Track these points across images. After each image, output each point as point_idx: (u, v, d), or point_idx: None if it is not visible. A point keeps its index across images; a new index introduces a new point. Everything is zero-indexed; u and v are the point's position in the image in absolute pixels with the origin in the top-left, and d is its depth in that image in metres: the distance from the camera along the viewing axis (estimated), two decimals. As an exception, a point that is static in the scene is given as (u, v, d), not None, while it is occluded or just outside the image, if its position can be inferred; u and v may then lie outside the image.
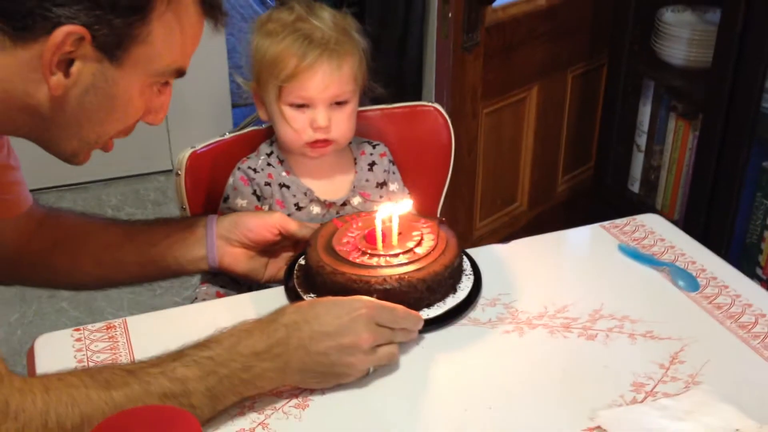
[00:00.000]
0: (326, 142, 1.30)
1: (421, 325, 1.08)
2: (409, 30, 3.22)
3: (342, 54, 1.26)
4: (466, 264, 1.22)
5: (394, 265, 1.12)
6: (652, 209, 2.29)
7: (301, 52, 1.24)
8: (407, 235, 1.17)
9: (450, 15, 1.96)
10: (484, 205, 2.40)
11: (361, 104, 1.36)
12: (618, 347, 1.10)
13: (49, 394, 0.86)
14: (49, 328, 1.16)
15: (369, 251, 1.14)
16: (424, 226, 1.20)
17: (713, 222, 2.09)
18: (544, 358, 1.08)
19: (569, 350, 1.09)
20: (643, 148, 2.38)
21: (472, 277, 1.20)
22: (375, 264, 1.12)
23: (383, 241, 1.15)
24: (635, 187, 2.44)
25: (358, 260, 1.13)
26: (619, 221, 1.38)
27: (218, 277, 1.32)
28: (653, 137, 2.34)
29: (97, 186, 3.09)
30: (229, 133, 1.44)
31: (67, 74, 0.91)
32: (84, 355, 1.06)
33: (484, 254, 1.29)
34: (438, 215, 1.55)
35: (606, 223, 1.38)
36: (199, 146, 1.38)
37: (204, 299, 1.31)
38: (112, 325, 1.12)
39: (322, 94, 1.26)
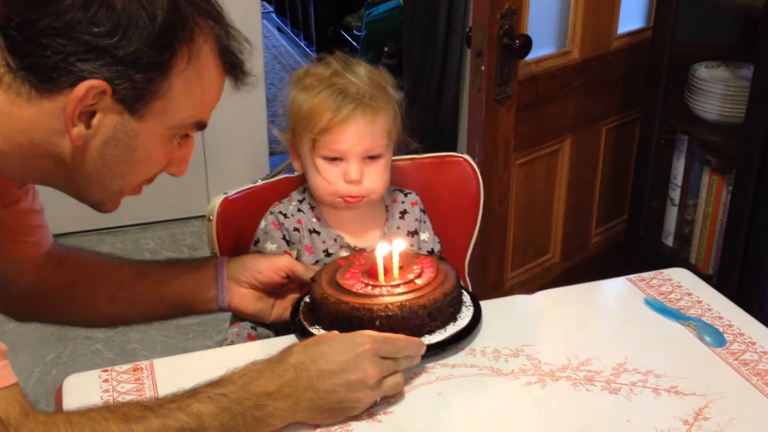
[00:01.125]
0: (358, 196, 1.32)
1: (423, 351, 1.11)
2: (445, 83, 3.27)
3: (376, 109, 1.28)
4: (467, 297, 1.26)
5: (395, 294, 1.16)
6: (686, 263, 2.28)
7: (335, 106, 1.26)
8: (408, 269, 1.21)
9: (483, 68, 1.98)
10: (515, 256, 2.40)
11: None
12: (641, 402, 1.09)
13: (72, 427, 0.89)
14: (83, 369, 1.18)
15: (371, 283, 1.18)
16: (425, 261, 1.24)
17: (747, 277, 2.06)
18: (567, 410, 1.08)
19: (592, 404, 1.09)
20: (676, 201, 2.37)
21: (472, 308, 1.23)
22: (377, 293, 1.16)
23: (385, 275, 1.19)
24: (669, 241, 2.42)
25: (360, 291, 1.17)
26: (646, 274, 1.38)
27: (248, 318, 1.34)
28: (687, 191, 2.33)
29: (136, 230, 3.15)
30: (261, 180, 1.47)
31: (88, 126, 0.95)
32: (110, 396, 1.08)
33: (510, 304, 1.30)
34: (467, 264, 1.56)
35: (633, 276, 1.38)
36: (231, 192, 1.42)
37: (233, 341, 1.33)
38: (139, 367, 1.14)
39: (355, 148, 1.28)
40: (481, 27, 1.94)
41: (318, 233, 1.36)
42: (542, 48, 2.19)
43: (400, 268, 1.20)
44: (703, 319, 1.26)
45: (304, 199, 1.38)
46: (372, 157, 1.31)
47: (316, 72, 1.31)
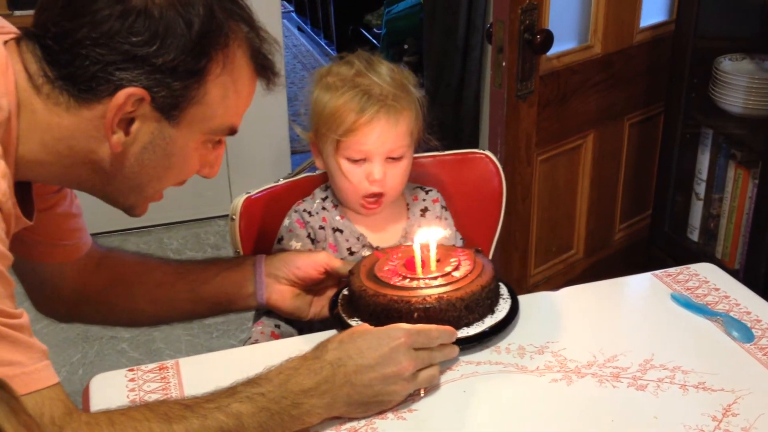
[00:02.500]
0: (379, 198, 1.32)
1: (454, 338, 1.12)
2: (466, 80, 3.26)
3: (399, 110, 1.28)
4: (504, 290, 1.26)
5: (433, 286, 1.17)
6: (711, 258, 2.26)
7: (359, 107, 1.26)
8: (445, 262, 1.22)
9: (504, 64, 1.97)
10: (539, 253, 2.39)
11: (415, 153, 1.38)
12: (669, 398, 1.08)
13: (114, 427, 0.90)
14: (110, 368, 1.19)
15: (409, 276, 1.19)
16: (461, 254, 1.24)
17: (774, 272, 2.04)
18: (593, 407, 1.07)
19: (618, 400, 1.08)
20: (701, 196, 2.34)
21: (509, 300, 1.23)
22: (415, 286, 1.17)
23: (422, 267, 1.20)
24: (694, 236, 2.40)
25: (398, 283, 1.17)
26: (672, 270, 1.37)
27: (272, 316, 1.35)
28: (712, 185, 2.31)
29: (159, 230, 3.16)
30: (283, 179, 1.47)
31: (127, 133, 0.96)
32: (137, 395, 1.09)
33: (534, 301, 1.29)
34: (493, 265, 1.55)
35: (659, 272, 1.37)
36: (253, 192, 1.42)
37: (257, 340, 1.33)
38: (164, 366, 1.15)
39: (379, 149, 1.29)
40: (502, 23, 1.93)
41: (341, 231, 1.36)
42: (564, 43, 2.17)
43: (438, 260, 1.21)
44: (731, 314, 1.25)
45: (327, 197, 1.39)
46: (394, 159, 1.31)
47: (339, 71, 1.31)
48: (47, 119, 0.94)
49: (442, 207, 1.44)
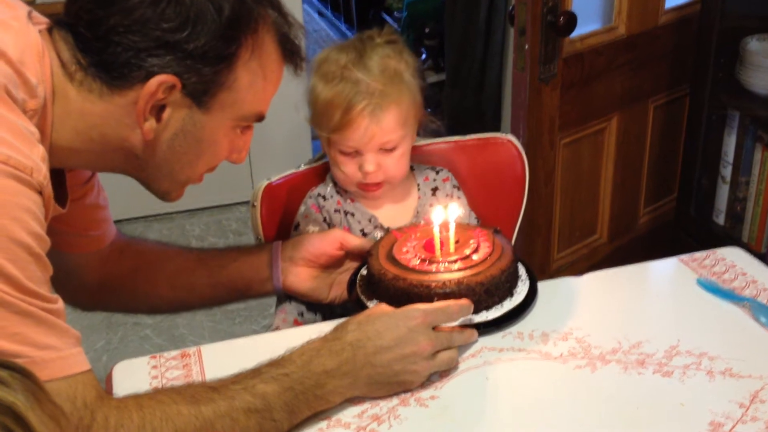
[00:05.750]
0: (379, 184, 1.32)
1: (471, 311, 1.13)
2: (487, 63, 3.24)
3: (385, 107, 1.26)
4: (522, 270, 1.25)
5: (452, 270, 1.16)
6: (738, 242, 2.23)
7: (345, 104, 1.25)
8: (464, 243, 1.21)
9: (526, 47, 1.95)
10: (562, 237, 2.37)
11: (421, 137, 1.37)
12: (695, 385, 1.06)
13: (143, 411, 0.92)
14: (133, 355, 1.20)
15: (428, 259, 1.18)
16: (481, 234, 1.23)
17: (803, 256, 2.01)
18: (617, 394, 1.06)
19: (644, 387, 1.07)
20: (728, 179, 2.31)
21: (528, 282, 1.23)
22: (434, 270, 1.16)
23: (441, 249, 1.19)
24: (720, 219, 2.37)
25: (418, 267, 1.17)
26: (698, 254, 1.35)
27: (294, 303, 1.34)
28: (738, 168, 2.27)
29: (182, 216, 3.18)
30: (304, 165, 1.47)
31: (158, 119, 0.97)
32: (159, 382, 1.09)
33: (558, 287, 1.28)
34: (512, 245, 1.54)
35: (685, 256, 1.35)
36: (274, 178, 1.42)
37: (279, 327, 1.33)
38: (187, 353, 1.15)
39: (367, 145, 1.28)
40: (524, 4, 1.91)
41: (353, 214, 1.36)
42: (587, 24, 2.15)
43: (456, 242, 1.20)
44: (758, 299, 1.23)
45: None
46: (387, 149, 1.30)
47: (334, 58, 1.29)
48: (80, 106, 0.96)
49: (454, 186, 1.43)
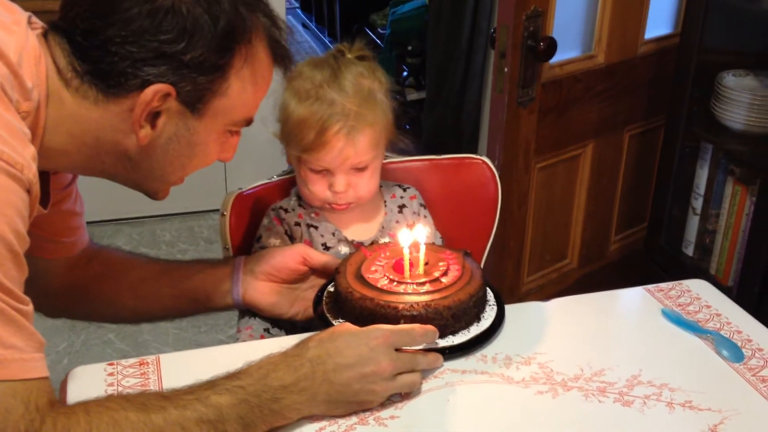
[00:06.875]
0: (345, 204, 1.31)
1: (436, 337, 1.11)
2: (468, 84, 3.25)
3: (360, 128, 1.26)
4: (490, 295, 1.24)
5: (420, 292, 1.15)
6: (705, 273, 2.24)
7: (319, 125, 1.24)
8: (434, 265, 1.20)
9: (506, 70, 1.96)
10: (533, 260, 2.38)
11: (389, 153, 1.37)
12: (655, 416, 1.06)
13: (90, 416, 0.90)
14: (95, 359, 1.18)
15: (397, 279, 1.17)
16: (450, 257, 1.22)
17: (768, 291, 2.03)
18: (578, 422, 1.05)
19: (604, 416, 1.06)
20: (698, 211, 2.33)
21: (495, 308, 1.22)
22: (402, 291, 1.15)
23: (410, 270, 1.18)
24: (689, 251, 2.39)
25: (386, 287, 1.16)
26: (664, 285, 1.35)
27: (259, 320, 1.33)
28: (709, 201, 2.30)
29: (153, 221, 3.15)
30: (277, 176, 1.46)
31: (153, 126, 0.98)
32: (115, 389, 1.07)
33: (524, 311, 1.28)
34: (482, 269, 1.54)
35: (651, 286, 1.35)
36: (245, 188, 1.41)
37: (245, 341, 1.31)
38: (145, 361, 1.13)
39: (339, 167, 1.27)
40: (506, 28, 1.92)
41: (316, 228, 1.35)
42: (567, 51, 2.16)
43: (426, 263, 1.19)
44: (722, 332, 1.23)
45: None
46: (359, 169, 1.29)
47: (309, 76, 1.27)
48: (75, 111, 0.97)
49: (420, 204, 1.43)
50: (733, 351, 1.19)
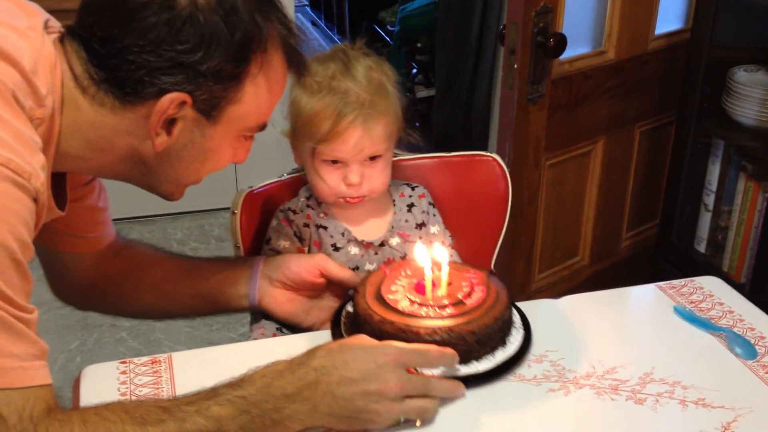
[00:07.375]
0: (359, 197, 1.31)
1: (455, 362, 1.06)
2: (477, 81, 3.24)
3: (375, 116, 1.26)
4: (516, 317, 1.20)
5: (443, 316, 1.10)
6: (718, 270, 2.23)
7: (335, 115, 1.24)
8: (457, 286, 1.15)
9: (516, 66, 1.95)
10: (543, 258, 2.37)
11: (399, 151, 1.37)
12: (667, 413, 1.06)
13: (86, 426, 0.89)
14: (107, 357, 1.19)
15: (418, 301, 1.13)
16: (474, 277, 1.18)
17: (781, 287, 2.02)
18: (589, 420, 1.05)
19: (616, 413, 1.06)
20: (710, 207, 2.32)
21: (522, 331, 1.18)
22: (424, 314, 1.11)
23: (432, 290, 1.14)
24: (701, 247, 2.38)
25: (407, 310, 1.11)
26: (676, 282, 1.35)
27: (272, 319, 1.33)
28: (721, 197, 2.28)
29: (165, 219, 3.16)
30: (287, 174, 1.46)
31: (169, 133, 0.99)
32: (127, 388, 1.07)
33: (535, 309, 1.27)
34: (492, 265, 1.54)
35: (663, 284, 1.35)
36: (256, 186, 1.41)
37: (257, 339, 1.31)
38: (157, 359, 1.14)
39: (355, 156, 1.27)
40: (515, 24, 1.91)
41: (325, 228, 1.35)
42: (577, 47, 2.15)
43: (449, 284, 1.15)
44: (734, 329, 1.22)
45: (311, 195, 1.37)
46: (372, 158, 1.29)
47: (318, 71, 1.27)
48: (92, 118, 0.98)
49: (429, 203, 1.42)
50: (746, 348, 1.18)
